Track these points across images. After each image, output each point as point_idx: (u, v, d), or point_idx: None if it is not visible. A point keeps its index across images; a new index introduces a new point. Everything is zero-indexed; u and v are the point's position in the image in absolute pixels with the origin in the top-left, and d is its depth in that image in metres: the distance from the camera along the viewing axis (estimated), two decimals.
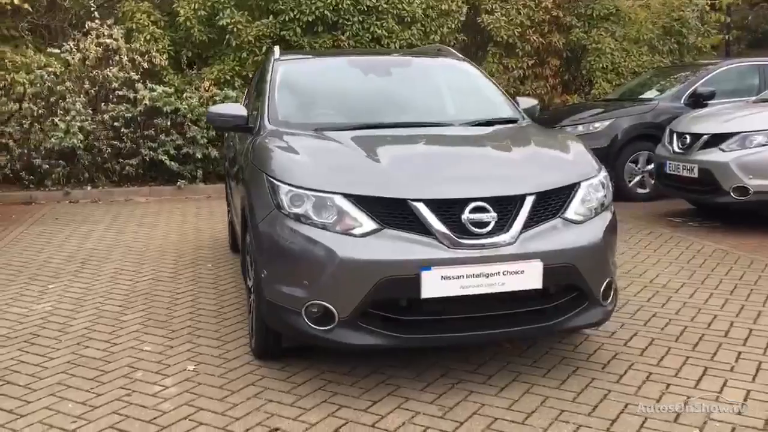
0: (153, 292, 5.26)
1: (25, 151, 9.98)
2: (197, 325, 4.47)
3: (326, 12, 10.21)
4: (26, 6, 9.80)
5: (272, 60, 4.83)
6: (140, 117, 9.82)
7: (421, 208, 3.20)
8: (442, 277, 3.16)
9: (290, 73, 4.67)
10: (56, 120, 9.76)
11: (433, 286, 3.16)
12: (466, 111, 4.56)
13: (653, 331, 4.23)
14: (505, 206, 3.30)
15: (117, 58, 9.93)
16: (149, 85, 10.00)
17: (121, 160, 10.09)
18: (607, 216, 3.60)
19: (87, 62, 9.93)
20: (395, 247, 3.18)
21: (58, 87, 9.81)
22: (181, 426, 3.14)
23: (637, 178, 9.18)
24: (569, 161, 3.73)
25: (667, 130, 7.95)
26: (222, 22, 10.12)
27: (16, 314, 4.76)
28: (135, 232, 7.59)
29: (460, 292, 3.19)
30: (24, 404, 3.38)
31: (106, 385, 3.59)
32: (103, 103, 9.98)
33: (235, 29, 10.10)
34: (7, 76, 9.65)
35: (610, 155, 9.05)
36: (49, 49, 10.10)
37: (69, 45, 9.97)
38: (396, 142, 3.89)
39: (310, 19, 10.23)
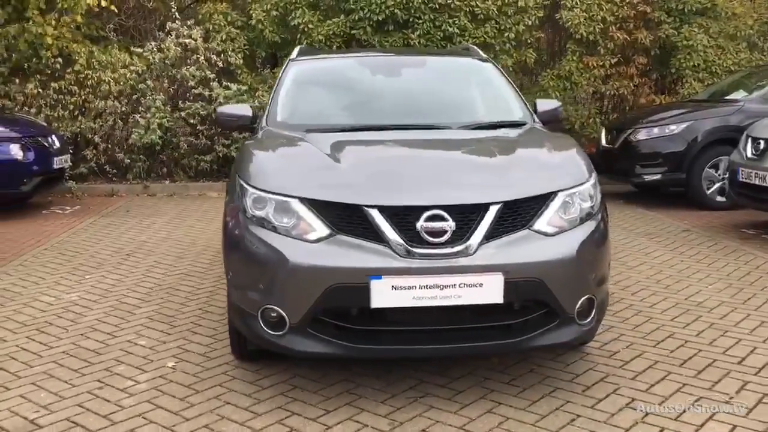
0: (177, 286, 5.39)
1: (110, 146, 10.52)
2: (200, 322, 4.54)
3: (397, 11, 10.14)
4: (113, 8, 10.35)
5: (288, 60, 4.84)
6: (215, 114, 10.12)
7: (375, 214, 3.10)
8: (393, 287, 3.04)
9: (300, 74, 4.66)
10: (137, 117, 10.23)
11: (384, 295, 3.04)
12: (471, 113, 4.39)
13: (661, 353, 3.92)
14: (467, 215, 3.13)
15: (195, 57, 10.28)
16: (224, 83, 10.29)
17: (197, 156, 10.44)
18: (588, 227, 3.34)
19: (167, 61, 10.34)
20: (345, 254, 3.09)
21: (140, 85, 10.27)
22: (133, 423, 3.19)
23: (717, 186, 8.55)
24: (551, 169, 3.49)
25: (744, 135, 7.36)
26: (294, 22, 10.26)
27: (43, 303, 5.01)
28: (191, 227, 7.83)
29: (413, 304, 3.06)
30: (3, 391, 3.53)
31: (85, 377, 3.70)
32: (180, 101, 10.36)
33: (306, 29, 10.22)
34: (94, 75, 10.20)
35: (685, 160, 8.51)
36: (132, 49, 10.59)
37: (151, 45, 10.42)
38: (372, 146, 3.79)
39: (381, 18, 10.19)
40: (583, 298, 3.27)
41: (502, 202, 3.16)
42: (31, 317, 4.69)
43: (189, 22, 10.57)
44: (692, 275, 5.53)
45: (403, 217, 3.10)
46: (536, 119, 4.36)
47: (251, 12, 10.51)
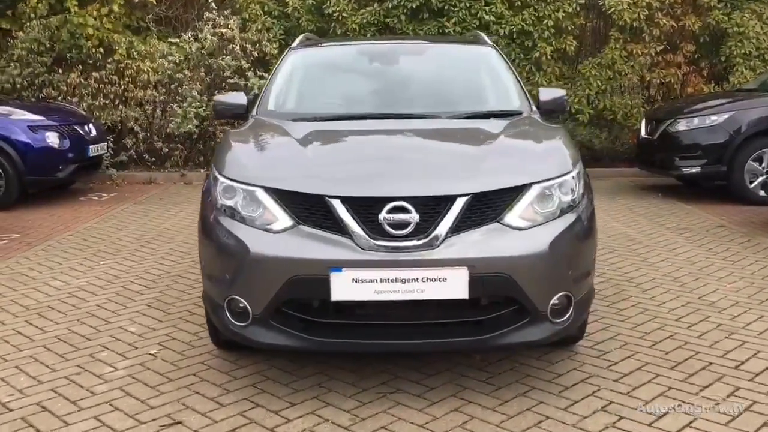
0: (184, 274, 5.43)
1: (149, 134, 10.71)
2: (195, 310, 4.56)
3: None
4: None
5: (287, 49, 4.79)
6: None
7: (337, 205, 3.02)
8: (354, 280, 2.97)
9: (296, 63, 4.61)
10: (174, 106, 10.39)
11: (344, 288, 2.98)
12: (464, 103, 4.24)
13: (654, 354, 3.73)
14: (432, 207, 3.03)
15: (230, 47, 10.36)
16: (259, 73, 10.34)
17: None
18: (566, 221, 3.19)
19: (203, 51, 10.45)
20: (307, 245, 3.03)
21: (177, 75, 10.42)
22: (99, 409, 3.21)
23: (760, 180, 8.14)
24: (528, 161, 3.35)
25: None
26: (328, 11, 10.23)
27: (52, 287, 5.12)
28: None
29: (375, 297, 2.98)
30: (10, 369, 3.61)
31: (67, 362, 3.75)
32: (216, 91, 10.46)
33: (340, 17, 10.17)
34: (133, 64, 10.39)
35: (727, 152, 8.13)
36: (170, 39, 10.74)
37: (188, 35, 10.55)
38: (347, 136, 3.72)
39: (415, 6, 10.05)
40: (557, 295, 3.13)
41: (469, 194, 3.05)
42: (36, 302, 4.79)
43: (226, 12, 10.66)
44: (713, 273, 5.27)
45: (366, 208, 3.02)
46: (533, 108, 4.20)
47: (287, 0, 10.51)
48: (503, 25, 10.22)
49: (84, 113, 9.60)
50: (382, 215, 2.99)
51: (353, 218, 3.01)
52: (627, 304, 4.56)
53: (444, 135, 3.75)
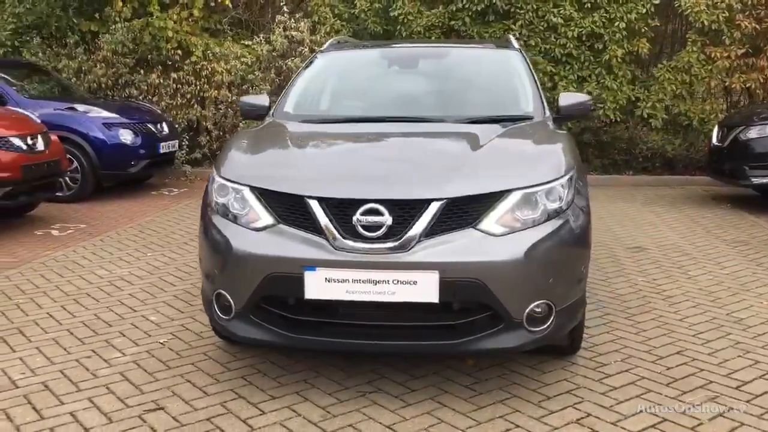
0: None
1: (221, 133, 11.12)
2: None
3: (497, 0, 9.90)
4: (228, 2, 10.92)
5: (315, 53, 4.91)
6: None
7: (314, 206, 3.10)
8: (326, 279, 3.03)
9: (319, 66, 4.72)
10: None
11: (317, 287, 3.05)
12: (474, 107, 4.22)
13: (654, 370, 3.62)
14: (407, 210, 3.05)
15: (300, 49, 10.62)
16: None
17: None
18: (548, 228, 3.13)
19: (274, 53, 10.76)
20: (284, 243, 3.12)
21: (249, 76, 10.77)
22: (95, 391, 3.41)
23: None
24: (513, 167, 3.30)
25: None
26: (393, 13, 10.31)
27: (95, 276, 5.43)
28: None
29: (346, 297, 3.04)
30: (9, 352, 3.89)
31: (83, 346, 4.00)
32: None
33: (405, 20, 10.24)
34: (209, 66, 10.82)
35: None
36: (243, 41, 11.10)
37: (259, 37, 10.88)
38: (340, 138, 3.78)
39: (480, 8, 9.99)
40: (534, 304, 3.09)
41: (445, 198, 3.05)
42: (77, 288, 5.10)
43: (297, 15, 10.93)
44: (754, 289, 5.02)
45: (342, 209, 3.08)
46: (548, 114, 4.13)
47: (356, 2, 10.67)
48: (572, 28, 10.01)
49: (159, 112, 10.07)
50: (356, 217, 3.04)
51: (328, 219, 3.07)
52: (646, 317, 4.41)
53: (435, 139, 3.76)
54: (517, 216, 3.12)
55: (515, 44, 4.79)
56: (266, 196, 3.24)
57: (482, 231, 3.06)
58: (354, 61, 4.87)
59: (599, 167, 10.47)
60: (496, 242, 3.05)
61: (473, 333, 3.09)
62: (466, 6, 10.01)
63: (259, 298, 3.18)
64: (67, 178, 8.66)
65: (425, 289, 2.99)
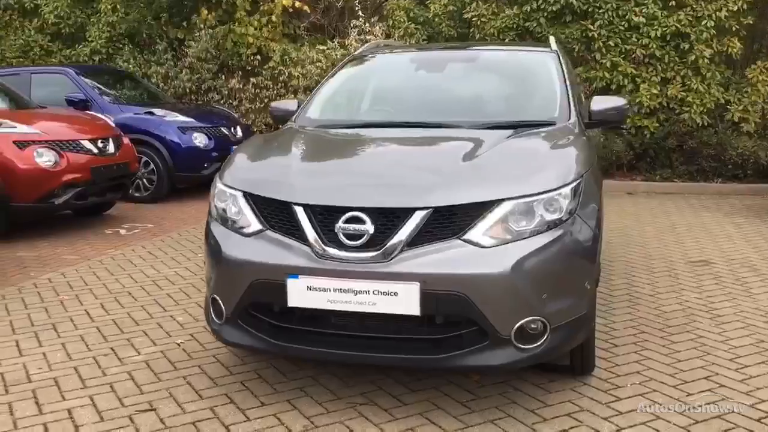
0: None
1: None
2: None
3: (572, 0, 9.55)
4: (305, 8, 11.09)
5: (347, 57, 4.88)
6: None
7: (300, 213, 3.06)
8: (309, 288, 2.99)
9: (347, 71, 4.67)
10: None
11: (300, 295, 3.01)
12: (494, 112, 4.05)
13: (671, 396, 3.35)
14: (390, 219, 2.96)
15: None
16: None
17: None
18: (542, 240, 2.95)
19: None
20: (269, 250, 3.09)
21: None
22: (98, 389, 3.50)
23: None
24: (509, 175, 3.12)
25: None
26: (467, 16, 10.15)
27: (144, 275, 5.61)
28: None
29: (328, 306, 2.98)
30: (35, 346, 4.07)
31: (105, 343, 4.12)
32: None
33: (478, 22, 10.05)
34: (285, 70, 11.03)
35: None
36: (318, 46, 11.24)
37: (334, 42, 10.98)
38: (341, 144, 3.73)
39: (556, 9, 9.67)
40: (525, 320, 2.92)
41: (429, 207, 2.94)
42: (121, 287, 5.29)
43: (373, 19, 10.96)
44: None
45: (326, 217, 3.03)
46: (574, 119, 3.90)
47: (429, 5, 10.59)
48: (655, 27, 9.53)
49: (234, 116, 10.34)
50: (338, 224, 2.98)
51: (312, 226, 3.03)
52: (684, 338, 4.11)
53: (435, 146, 3.64)
54: (509, 227, 2.96)
55: (553, 46, 4.57)
56: (257, 202, 3.23)
57: (469, 242, 2.92)
58: (381, 67, 4.79)
59: (685, 174, 9.91)
60: (482, 254, 2.90)
61: (460, 348, 2.96)
62: (542, 6, 9.71)
63: (247, 304, 3.17)
64: (144, 180, 9.06)
65: (406, 301, 2.89)
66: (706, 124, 9.68)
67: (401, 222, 2.94)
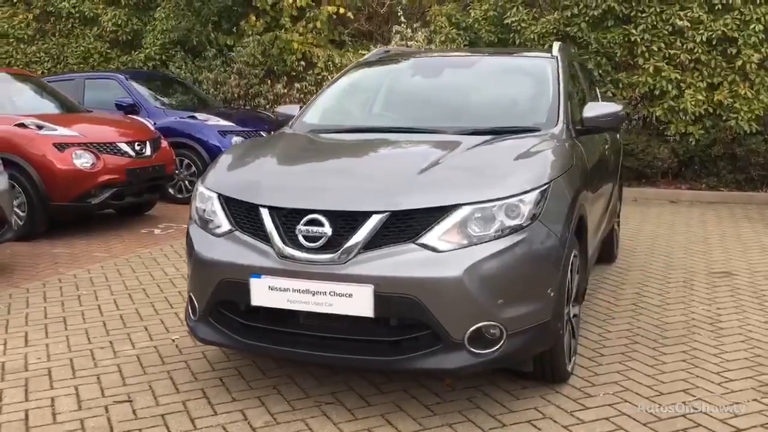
0: None
1: None
2: None
3: (614, 4, 9.37)
4: (349, 14, 11.25)
5: (354, 63, 4.95)
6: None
7: (265, 214, 3.15)
8: (270, 287, 3.07)
9: (348, 77, 4.74)
10: None
11: (262, 294, 3.09)
12: (481, 117, 4.03)
13: (637, 409, 3.28)
14: (348, 222, 3.02)
15: None
16: None
17: None
18: (499, 246, 2.95)
19: None
20: (235, 250, 3.19)
21: None
22: (85, 380, 3.66)
23: None
24: (469, 180, 3.12)
25: None
26: (507, 21, 10.08)
27: (163, 273, 5.81)
28: None
29: (287, 306, 3.06)
30: (41, 338, 4.28)
31: (107, 336, 4.31)
32: None
33: (518, 27, 9.97)
34: (330, 76, 11.19)
35: None
36: (361, 51, 11.36)
37: (376, 47, 11.08)
38: (318, 149, 3.81)
39: (598, 13, 9.50)
40: (478, 325, 2.93)
41: (386, 211, 2.98)
42: (138, 283, 5.49)
43: (415, 25, 11.01)
44: None
45: (288, 219, 3.11)
46: (563, 126, 3.85)
47: (470, 10, 10.58)
48: (701, 31, 9.26)
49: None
50: (299, 227, 3.05)
51: (275, 228, 3.11)
52: (676, 350, 4.01)
53: (404, 150, 3.66)
54: (467, 232, 2.98)
55: (554, 52, 4.53)
56: (229, 204, 3.34)
57: (424, 246, 2.95)
58: (380, 73, 4.83)
59: (732, 183, 9.59)
60: (436, 258, 2.93)
61: (412, 351, 2.99)
62: (582, 11, 9.56)
63: (216, 303, 3.27)
64: (186, 181, 9.36)
65: (360, 303, 2.94)
66: (754, 131, 9.34)
67: (358, 225, 3.00)
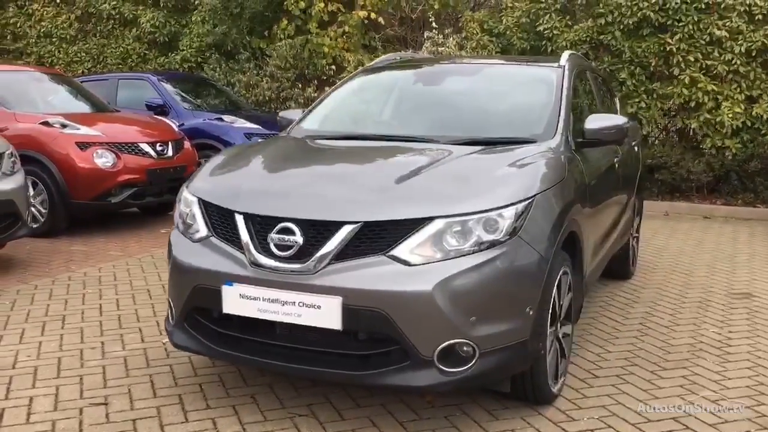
0: None
1: None
2: None
3: (650, 13, 9.12)
4: (380, 20, 11.20)
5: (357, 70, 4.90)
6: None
7: (239, 221, 3.10)
8: (241, 295, 3.02)
9: (351, 84, 4.68)
10: None
11: (233, 302, 3.05)
12: (477, 128, 3.90)
13: None
14: (320, 232, 2.95)
15: None
16: None
17: None
18: (476, 261, 2.85)
19: None
20: (209, 256, 3.15)
21: None
22: (68, 380, 3.66)
23: None
24: (446, 193, 3.02)
25: None
26: (540, 28, 9.90)
27: None
28: None
29: (257, 315, 3.01)
30: (37, 335, 4.32)
31: (100, 336, 4.32)
32: None
33: (551, 35, 9.78)
34: None
35: None
36: None
37: (407, 52, 11.00)
38: (304, 155, 3.75)
39: (632, 22, 9.25)
40: (449, 342, 2.83)
41: (358, 222, 2.91)
42: (144, 284, 5.52)
43: (447, 31, 10.91)
44: None
45: (262, 226, 3.06)
46: (562, 138, 3.71)
47: (502, 18, 10.43)
48: (740, 42, 8.95)
49: None
50: (271, 235, 3.00)
51: (249, 235, 3.06)
52: (675, 374, 3.84)
53: (393, 160, 3.56)
54: (440, 245, 2.88)
55: (563, 61, 4.39)
56: (207, 208, 3.30)
57: (395, 258, 2.87)
58: (382, 80, 4.74)
59: None
60: (406, 272, 2.84)
61: (382, 366, 2.90)
62: (617, 19, 9.33)
63: (191, 309, 3.24)
64: None
65: (328, 315, 2.87)
66: None
67: (330, 235, 2.93)
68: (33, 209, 7.15)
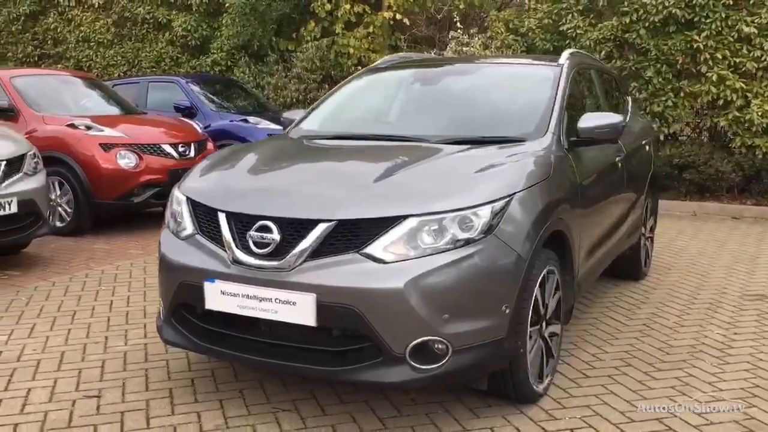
0: None
1: None
2: None
3: (676, 10, 8.95)
4: (405, 20, 11.23)
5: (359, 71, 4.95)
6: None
7: (222, 219, 3.17)
8: (222, 292, 3.09)
9: (351, 84, 4.73)
10: None
11: (215, 298, 3.12)
12: (469, 126, 3.91)
13: None
14: (296, 230, 3.00)
15: None
16: None
17: None
18: (449, 258, 2.87)
19: None
20: (193, 253, 3.23)
21: None
22: (67, 373, 3.79)
23: None
24: (421, 191, 3.04)
25: None
26: (563, 28, 9.81)
27: None
28: None
29: (237, 311, 3.07)
30: (45, 331, 4.46)
31: (105, 332, 4.44)
32: None
33: (575, 34, 9.68)
34: None
35: None
36: None
37: (430, 52, 11.02)
38: (282, 155, 3.82)
39: (657, 19, 9.10)
40: (421, 339, 2.86)
41: (333, 220, 2.95)
42: (155, 282, 5.64)
43: (472, 30, 10.89)
44: None
45: (242, 224, 3.12)
46: (549, 137, 3.70)
47: (524, 19, 10.36)
48: None
49: None
50: (250, 232, 3.06)
51: (230, 232, 3.13)
52: (668, 375, 3.80)
53: (375, 159, 3.57)
54: (414, 243, 2.91)
55: (562, 59, 4.37)
56: (194, 207, 3.38)
57: (368, 256, 2.90)
58: (381, 80, 4.76)
59: None
60: (379, 269, 2.87)
61: (355, 362, 2.94)
62: (642, 17, 9.19)
63: (177, 305, 3.32)
64: None
65: (303, 311, 2.92)
66: None
67: (305, 233, 2.97)
68: (59, 209, 7.39)
